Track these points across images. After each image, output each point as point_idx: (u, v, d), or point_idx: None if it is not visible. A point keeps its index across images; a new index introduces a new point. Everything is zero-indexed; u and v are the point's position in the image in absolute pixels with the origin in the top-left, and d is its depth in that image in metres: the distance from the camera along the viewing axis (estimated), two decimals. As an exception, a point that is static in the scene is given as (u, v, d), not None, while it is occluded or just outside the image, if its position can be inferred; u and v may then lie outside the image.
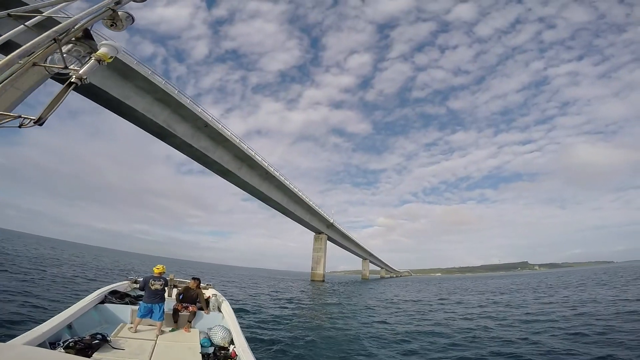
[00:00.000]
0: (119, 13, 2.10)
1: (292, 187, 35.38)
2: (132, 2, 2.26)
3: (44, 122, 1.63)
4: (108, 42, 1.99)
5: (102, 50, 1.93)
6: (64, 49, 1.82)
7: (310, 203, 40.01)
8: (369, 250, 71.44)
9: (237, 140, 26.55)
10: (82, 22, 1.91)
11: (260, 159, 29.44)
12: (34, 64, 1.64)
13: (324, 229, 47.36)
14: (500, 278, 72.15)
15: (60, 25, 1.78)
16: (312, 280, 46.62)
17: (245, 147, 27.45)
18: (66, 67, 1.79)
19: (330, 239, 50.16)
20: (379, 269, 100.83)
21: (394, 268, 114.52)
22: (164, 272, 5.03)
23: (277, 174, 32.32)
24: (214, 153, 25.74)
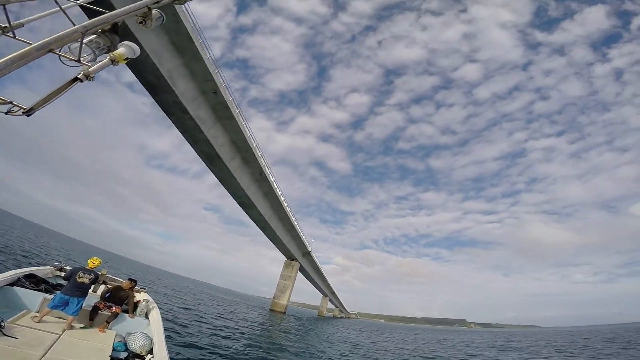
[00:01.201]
0: (153, 11, 2.07)
1: (283, 199, 28.76)
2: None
3: (32, 114, 1.52)
4: (128, 43, 1.90)
5: (120, 50, 1.86)
6: (86, 39, 1.70)
7: (296, 224, 33.38)
8: (332, 288, 64.76)
9: (243, 123, 20.04)
10: (116, 16, 1.81)
11: (260, 154, 22.89)
12: (50, 50, 1.53)
13: (299, 257, 40.49)
14: (437, 332, 70.41)
15: (95, 19, 1.73)
16: (272, 310, 39.27)
17: (249, 135, 20.93)
18: (79, 60, 1.71)
19: (302, 268, 43.18)
20: (333, 307, 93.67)
21: (346, 309, 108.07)
22: (98, 266, 4.86)
23: (272, 179, 25.74)
24: (209, 129, 18.96)
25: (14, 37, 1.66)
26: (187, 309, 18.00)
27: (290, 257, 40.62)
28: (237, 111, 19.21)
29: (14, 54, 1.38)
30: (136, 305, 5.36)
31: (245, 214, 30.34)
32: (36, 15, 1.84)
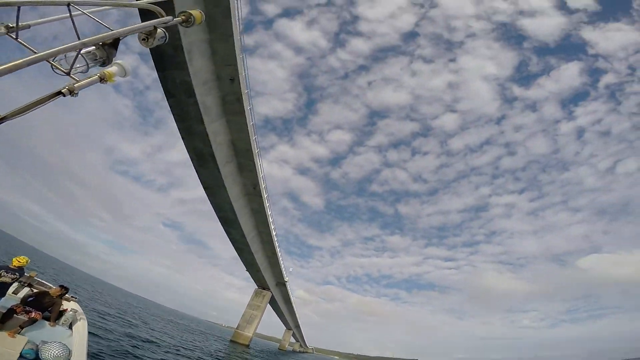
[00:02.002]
0: (158, 30, 2.02)
1: (272, 221, 24.61)
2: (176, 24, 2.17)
3: (2, 122, 1.43)
4: (122, 62, 1.86)
5: (112, 69, 1.80)
6: (83, 50, 1.66)
7: (278, 250, 28.98)
8: (298, 321, 58.78)
9: (252, 123, 16.37)
10: (120, 34, 1.77)
11: (259, 163, 19.05)
12: (46, 60, 1.49)
13: (272, 286, 35.47)
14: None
15: (98, 35, 1.68)
16: (234, 342, 33.53)
17: (254, 138, 17.20)
18: (69, 74, 1.65)
19: (272, 299, 37.93)
20: (293, 340, 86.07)
21: (306, 343, 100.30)
22: (24, 266, 4.72)
23: (266, 196, 21.73)
24: (211, 123, 15.14)
25: (16, 38, 1.57)
26: (130, 336, 13.05)
27: (262, 286, 35.49)
28: (249, 107, 15.59)
29: (12, 63, 1.33)
30: (61, 314, 5.10)
31: (223, 231, 25.55)
32: (44, 19, 1.78)
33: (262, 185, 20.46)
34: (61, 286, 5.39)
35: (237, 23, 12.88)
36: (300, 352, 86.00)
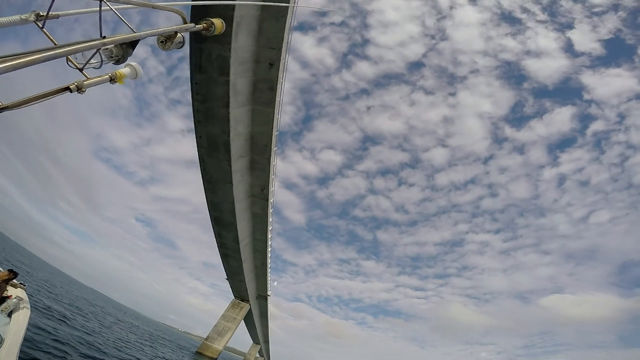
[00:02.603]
0: (178, 35, 2.09)
1: (271, 229, 22.31)
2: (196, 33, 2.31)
3: (3, 111, 1.43)
4: (135, 64, 1.91)
5: (124, 70, 1.85)
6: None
7: (269, 261, 26.48)
8: (269, 337, 55.06)
9: (278, 117, 14.43)
10: (142, 36, 1.84)
11: (274, 163, 16.99)
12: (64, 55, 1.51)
13: (252, 298, 32.51)
14: None
15: (119, 37, 1.73)
16: (201, 354, 30.05)
17: (276, 134, 15.22)
18: (81, 70, 1.68)
19: (250, 312, 34.84)
20: (258, 355, 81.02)
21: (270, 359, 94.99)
22: None
23: (272, 200, 19.55)
24: (237, 108, 13.17)
25: (42, 27, 1.57)
26: (82, 338, 10.34)
27: (242, 297, 32.42)
28: (279, 99, 13.68)
29: (30, 58, 1.35)
30: (3, 300, 4.81)
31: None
32: (73, 11, 1.79)
33: (271, 189, 18.32)
34: (10, 270, 5.14)
35: (295, 8, 11.27)
36: None
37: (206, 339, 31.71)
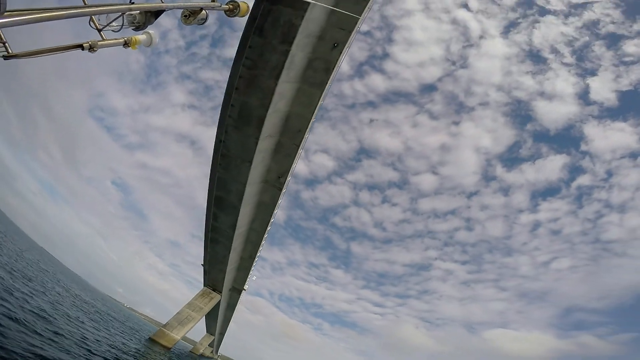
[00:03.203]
0: (202, 11, 2.19)
1: (272, 221, 20.94)
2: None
3: (10, 59, 1.51)
4: (153, 33, 1.94)
5: (140, 37, 1.88)
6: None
7: (257, 256, 24.97)
8: (226, 330, 52.32)
9: (321, 103, 13.38)
10: (169, 7, 1.93)
11: (301, 151, 15.87)
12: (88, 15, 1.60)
13: (225, 290, 30.51)
14: None
15: (146, 4, 1.85)
16: (155, 341, 27.35)
17: (313, 120, 14.13)
18: (100, 31, 1.72)
19: (218, 304, 32.72)
20: (208, 346, 76.98)
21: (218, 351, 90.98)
22: None
23: (284, 191, 18.31)
24: (286, 82, 12.08)
25: None
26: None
27: (214, 287, 30.32)
28: (329, 83, 12.69)
29: (55, 13, 1.46)
30: None
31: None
32: None
33: (289, 178, 17.11)
34: None
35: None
36: (208, 357, 77.52)
37: (164, 325, 29.14)
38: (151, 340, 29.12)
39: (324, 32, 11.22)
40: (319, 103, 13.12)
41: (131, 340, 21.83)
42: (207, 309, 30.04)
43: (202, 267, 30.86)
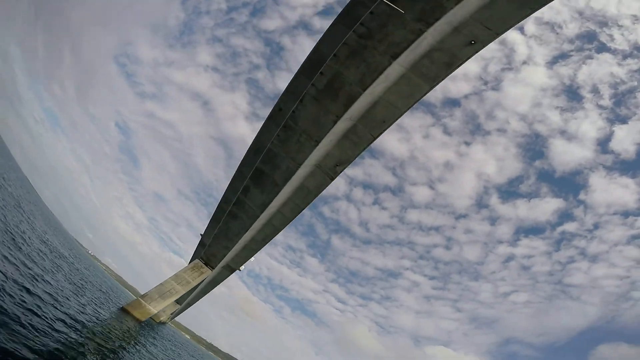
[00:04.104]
0: None
1: (303, 208, 19.47)
2: None
3: None
4: None
5: None
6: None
7: (270, 241, 23.44)
8: (195, 303, 50.32)
9: (421, 98, 12.01)
10: None
11: (371, 145, 14.47)
12: None
13: (218, 266, 28.71)
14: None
15: None
16: (127, 312, 25.21)
17: (410, 108, 12.75)
18: None
19: (213, 281, 30.96)
20: (169, 313, 74.10)
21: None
22: None
23: (332, 182, 16.88)
24: (399, 65, 10.67)
25: None
26: None
27: (207, 262, 28.45)
28: (442, 80, 11.34)
29: None
30: None
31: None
32: None
33: (344, 170, 15.70)
34: None
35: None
36: (160, 322, 74.84)
37: (143, 296, 26.95)
38: (123, 310, 26.94)
39: (464, 26, 9.86)
40: (420, 98, 11.77)
41: (102, 311, 19.55)
42: (194, 284, 28.13)
43: (200, 239, 29.08)
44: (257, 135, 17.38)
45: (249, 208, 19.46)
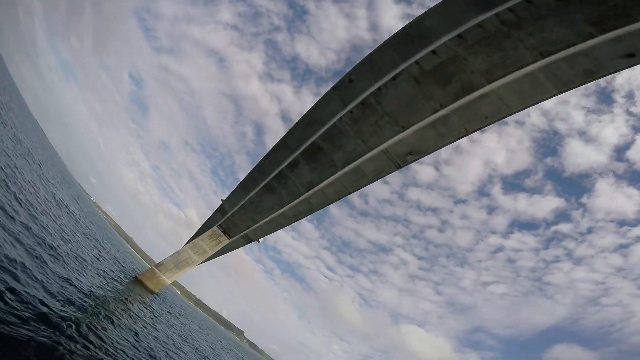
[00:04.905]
0: None
1: (348, 194, 18.51)
2: None
3: None
4: None
5: None
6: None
7: (302, 219, 22.57)
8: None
9: (540, 102, 10.81)
10: None
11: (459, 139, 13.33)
12: None
13: (239, 236, 27.90)
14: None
15: None
16: (140, 282, 24.50)
17: (522, 109, 11.57)
18: None
19: (224, 249, 30.10)
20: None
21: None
22: None
23: (401, 168, 15.82)
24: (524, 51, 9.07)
25: None
26: None
27: (226, 230, 27.51)
28: (575, 87, 10.10)
29: None
30: None
31: (268, 156, 18.06)
32: None
33: (415, 160, 14.60)
34: None
35: None
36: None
37: (157, 266, 26.10)
38: (137, 280, 26.02)
39: (630, 35, 8.50)
40: (540, 101, 10.57)
41: (114, 280, 18.41)
42: (211, 253, 27.39)
43: (220, 205, 27.87)
44: (313, 106, 15.79)
45: (292, 184, 18.33)
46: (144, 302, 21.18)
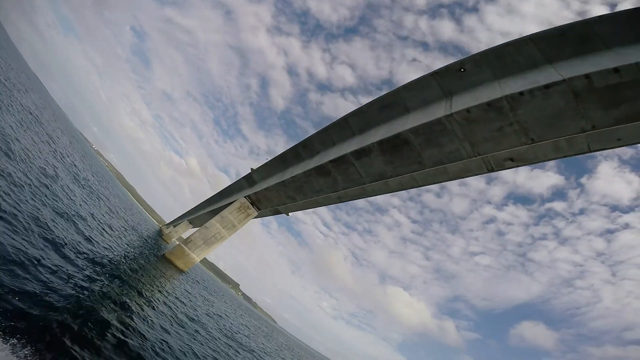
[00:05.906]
0: None
1: (402, 192, 17.18)
2: None
3: None
4: None
5: None
6: None
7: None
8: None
9: None
10: None
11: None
12: None
13: (269, 210, 26.80)
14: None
15: None
16: (169, 261, 23.49)
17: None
18: None
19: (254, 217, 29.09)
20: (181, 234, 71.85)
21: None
22: None
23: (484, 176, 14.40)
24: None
25: None
26: None
27: (256, 202, 26.14)
28: None
29: None
30: None
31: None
32: None
33: (514, 167, 13.11)
34: None
35: None
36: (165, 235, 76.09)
37: (186, 242, 24.87)
38: (164, 258, 24.88)
39: None
40: None
41: (143, 259, 17.22)
42: (240, 227, 26.30)
43: (249, 174, 26.13)
44: (400, 89, 13.50)
45: (355, 173, 16.69)
46: (177, 285, 20.56)
